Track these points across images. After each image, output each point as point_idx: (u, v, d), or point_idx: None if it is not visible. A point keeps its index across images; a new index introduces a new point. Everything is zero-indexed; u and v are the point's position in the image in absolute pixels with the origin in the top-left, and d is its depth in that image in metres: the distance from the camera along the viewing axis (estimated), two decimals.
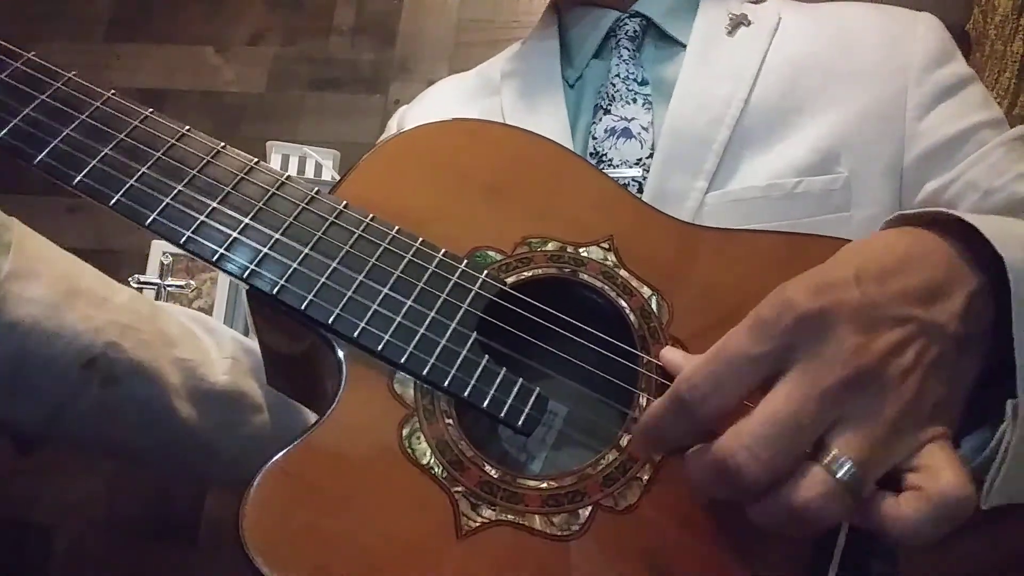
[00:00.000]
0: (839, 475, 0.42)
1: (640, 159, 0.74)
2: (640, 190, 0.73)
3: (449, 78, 0.95)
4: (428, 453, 0.52)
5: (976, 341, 0.47)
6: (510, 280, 0.58)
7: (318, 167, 1.81)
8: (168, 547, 1.82)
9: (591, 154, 0.75)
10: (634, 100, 0.77)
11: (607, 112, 0.77)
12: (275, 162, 1.80)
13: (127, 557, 1.82)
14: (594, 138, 0.76)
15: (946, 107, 0.74)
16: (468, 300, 0.56)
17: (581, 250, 0.60)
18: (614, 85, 0.78)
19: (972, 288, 0.47)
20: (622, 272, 0.59)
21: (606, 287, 0.58)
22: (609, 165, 0.74)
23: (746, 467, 0.42)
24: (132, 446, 0.72)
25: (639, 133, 0.75)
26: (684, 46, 0.79)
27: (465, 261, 0.58)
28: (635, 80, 0.78)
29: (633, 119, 0.76)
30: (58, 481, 1.87)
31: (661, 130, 0.74)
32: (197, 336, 0.75)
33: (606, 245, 0.60)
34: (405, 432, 0.52)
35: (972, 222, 0.48)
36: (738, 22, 0.79)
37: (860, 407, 0.43)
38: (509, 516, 0.50)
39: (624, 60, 0.79)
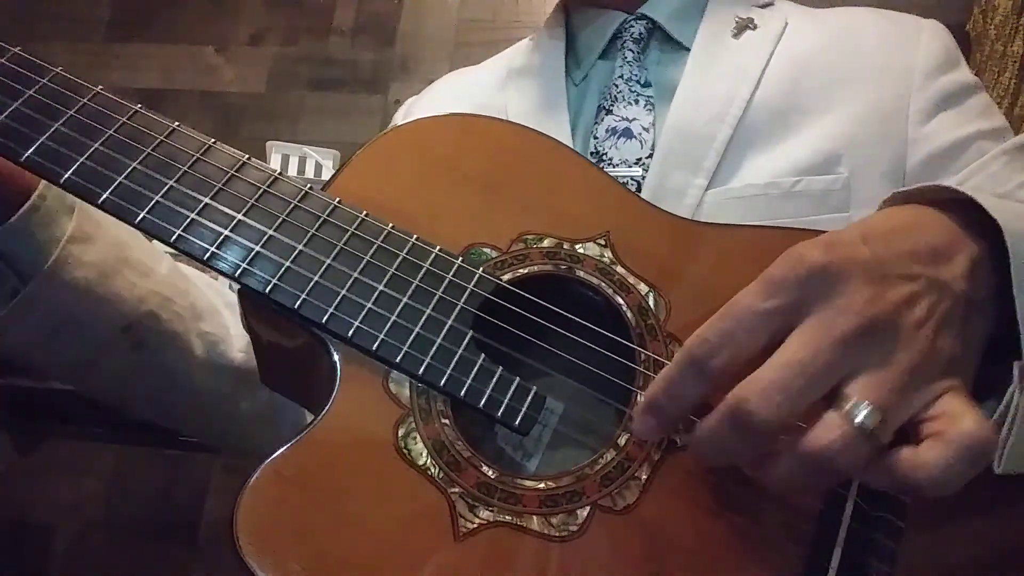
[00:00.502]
0: (857, 419, 0.41)
1: (640, 159, 0.74)
2: (639, 189, 0.73)
3: (457, 72, 0.96)
4: (424, 454, 0.51)
5: (981, 305, 0.47)
6: (506, 277, 0.57)
7: (318, 167, 1.81)
8: (168, 547, 1.82)
9: (592, 153, 0.76)
10: (636, 101, 0.77)
11: (609, 112, 0.77)
12: (275, 162, 1.80)
13: (127, 557, 1.83)
14: (595, 137, 0.76)
15: (948, 115, 0.74)
16: (464, 298, 0.56)
17: (577, 246, 0.59)
18: (617, 86, 0.78)
19: (974, 253, 0.47)
20: (619, 268, 0.59)
21: (603, 284, 0.58)
22: (609, 164, 0.75)
23: (759, 411, 0.42)
24: (142, 403, 0.78)
25: (640, 133, 0.75)
26: (688, 50, 0.80)
27: (460, 258, 0.57)
28: (638, 81, 0.79)
29: (634, 120, 0.76)
30: (58, 481, 1.88)
31: (662, 128, 0.75)
32: (219, 310, 0.80)
33: (602, 241, 0.60)
34: (401, 432, 0.52)
35: (969, 194, 0.49)
36: (744, 26, 0.80)
37: (875, 355, 0.43)
38: (507, 517, 0.50)
39: (628, 62, 0.80)
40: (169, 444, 1.81)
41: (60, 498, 1.87)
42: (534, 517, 0.50)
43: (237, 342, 0.79)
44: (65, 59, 2.19)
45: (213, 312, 0.78)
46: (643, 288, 0.58)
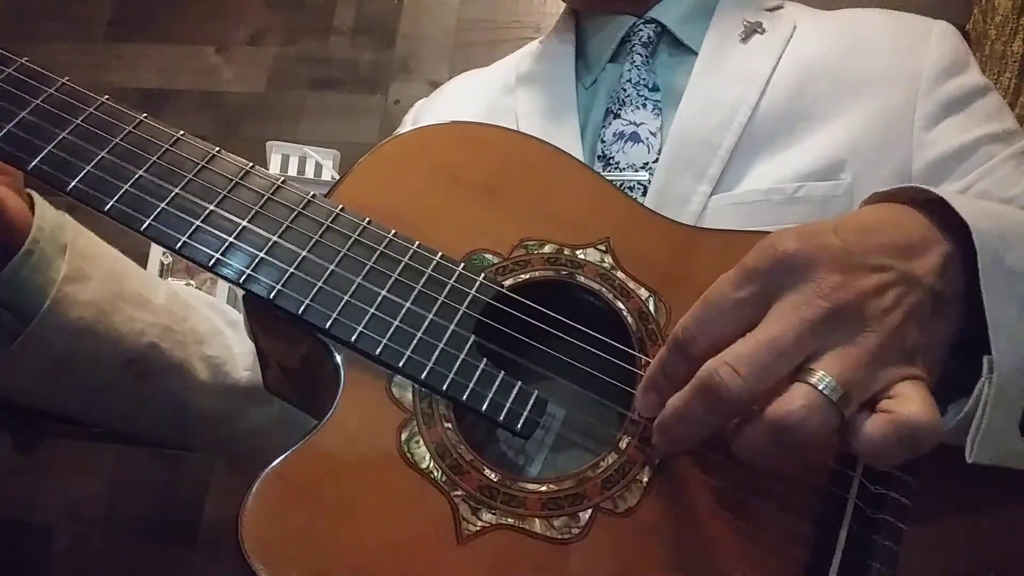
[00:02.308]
0: (822, 388, 0.43)
1: (647, 163, 0.74)
2: (645, 193, 0.73)
3: (466, 74, 0.96)
4: (427, 457, 0.52)
5: (950, 301, 0.49)
6: (507, 283, 0.58)
7: (318, 167, 1.81)
8: (168, 547, 1.82)
9: (599, 157, 0.76)
10: (644, 105, 0.77)
11: (617, 116, 0.77)
12: (275, 162, 1.80)
13: (127, 557, 1.82)
14: (602, 141, 0.76)
15: (954, 119, 0.74)
16: (466, 303, 0.56)
17: (578, 252, 0.60)
18: (625, 90, 0.78)
19: (945, 251, 0.49)
20: (619, 274, 0.59)
21: (603, 289, 0.58)
22: (616, 168, 0.75)
23: (728, 380, 0.44)
24: (151, 429, 0.77)
25: (647, 138, 0.75)
26: (696, 53, 0.79)
27: (462, 264, 0.58)
28: (646, 86, 0.79)
29: (642, 124, 0.76)
30: (58, 481, 1.87)
31: (668, 134, 0.75)
32: (222, 332, 0.80)
33: (603, 247, 0.60)
34: (404, 436, 0.52)
35: (941, 195, 0.50)
36: (752, 30, 0.80)
37: (842, 336, 0.45)
38: (509, 520, 0.50)
39: (636, 65, 0.80)
40: (169, 444, 1.81)
41: (60, 498, 1.86)
42: (536, 520, 0.50)
43: (242, 360, 0.79)
44: (65, 59, 2.19)
45: (215, 334, 0.78)
46: (644, 293, 0.58)
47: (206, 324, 0.78)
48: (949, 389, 0.49)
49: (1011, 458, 0.48)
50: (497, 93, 0.87)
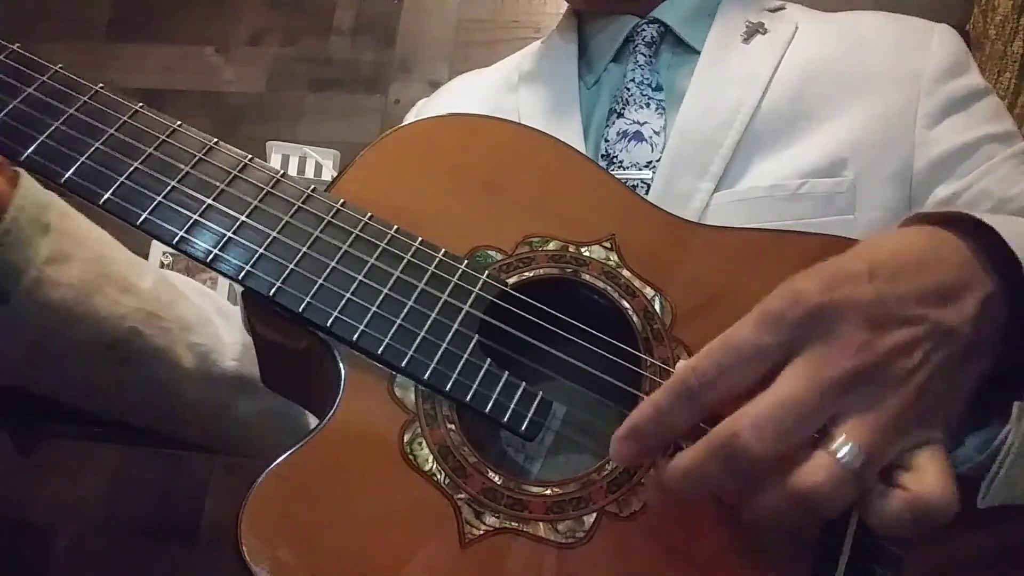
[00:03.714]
0: (844, 460, 0.42)
1: (650, 162, 0.74)
2: (648, 192, 0.73)
3: (467, 74, 0.96)
4: (430, 459, 0.51)
5: (987, 345, 0.47)
6: (511, 280, 0.57)
7: (318, 167, 1.81)
8: (168, 547, 1.82)
9: (602, 156, 0.76)
10: (647, 105, 0.77)
11: (620, 115, 0.77)
12: (275, 162, 1.80)
13: (127, 557, 1.82)
14: (606, 140, 0.76)
15: (956, 119, 0.74)
16: (469, 301, 0.55)
17: (583, 249, 0.59)
18: (628, 89, 0.78)
19: (987, 291, 0.47)
20: (624, 272, 0.58)
21: (608, 288, 0.58)
22: (619, 167, 0.75)
23: (751, 445, 0.42)
24: (132, 414, 0.77)
25: (650, 137, 0.75)
26: (699, 53, 0.79)
27: (466, 261, 0.57)
28: (649, 85, 0.79)
29: (645, 123, 0.76)
30: (58, 481, 1.87)
31: (671, 132, 0.75)
32: (211, 320, 0.79)
33: (608, 244, 0.59)
34: (407, 438, 0.52)
35: (991, 223, 0.48)
36: (754, 30, 0.80)
37: (864, 399, 0.43)
38: (513, 523, 0.50)
39: (640, 65, 0.80)
40: (169, 444, 1.80)
41: (60, 498, 1.87)
42: (540, 523, 0.50)
43: (230, 350, 0.79)
44: (65, 59, 2.17)
45: (204, 322, 0.78)
46: (649, 292, 0.58)
47: (194, 312, 0.77)
48: (972, 410, 0.48)
49: (1022, 499, 0.47)
50: (499, 92, 0.87)
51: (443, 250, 0.57)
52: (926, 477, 0.43)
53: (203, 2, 2.22)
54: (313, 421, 0.79)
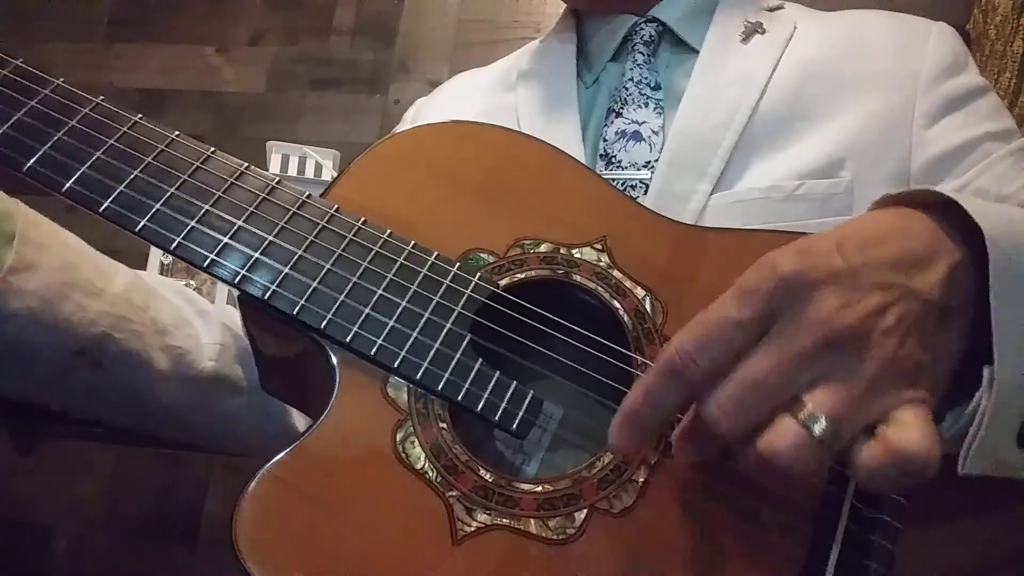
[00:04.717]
0: (809, 426, 0.43)
1: (649, 162, 0.74)
2: (647, 192, 0.73)
3: (465, 73, 0.96)
4: (422, 457, 0.52)
5: (957, 312, 0.48)
6: (503, 282, 0.58)
7: (318, 167, 1.81)
8: (168, 547, 1.82)
9: (601, 156, 0.76)
10: (646, 104, 0.77)
11: (619, 115, 0.77)
12: (275, 162, 1.80)
13: (127, 557, 1.82)
14: (604, 140, 0.77)
15: (954, 118, 0.74)
16: (461, 303, 0.56)
17: (574, 251, 0.60)
18: (627, 89, 0.79)
19: (954, 259, 0.48)
20: (615, 273, 0.59)
21: (599, 288, 0.58)
22: (618, 167, 0.75)
23: (718, 422, 0.44)
24: (109, 416, 0.76)
25: (649, 136, 0.75)
26: (698, 52, 0.79)
27: (458, 264, 0.58)
28: (648, 84, 0.79)
29: (644, 123, 0.76)
30: (58, 481, 1.87)
31: (669, 133, 0.75)
32: (189, 321, 0.78)
33: (599, 246, 0.60)
34: (399, 436, 0.52)
35: (954, 198, 0.49)
36: (753, 30, 0.80)
37: (837, 367, 0.44)
38: (504, 520, 0.50)
39: (638, 64, 0.80)
40: (169, 444, 1.81)
41: (60, 498, 1.86)
42: (532, 520, 0.50)
43: (208, 351, 0.78)
44: (65, 59, 2.19)
45: (180, 324, 0.77)
46: (640, 292, 0.58)
47: (171, 313, 0.76)
48: (951, 391, 0.48)
49: (1005, 469, 0.48)
50: (497, 91, 0.87)
51: (435, 253, 0.57)
52: (907, 430, 0.43)
53: (203, 2, 2.22)
54: (298, 416, 0.79)
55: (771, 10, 0.83)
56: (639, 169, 0.74)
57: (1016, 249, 0.48)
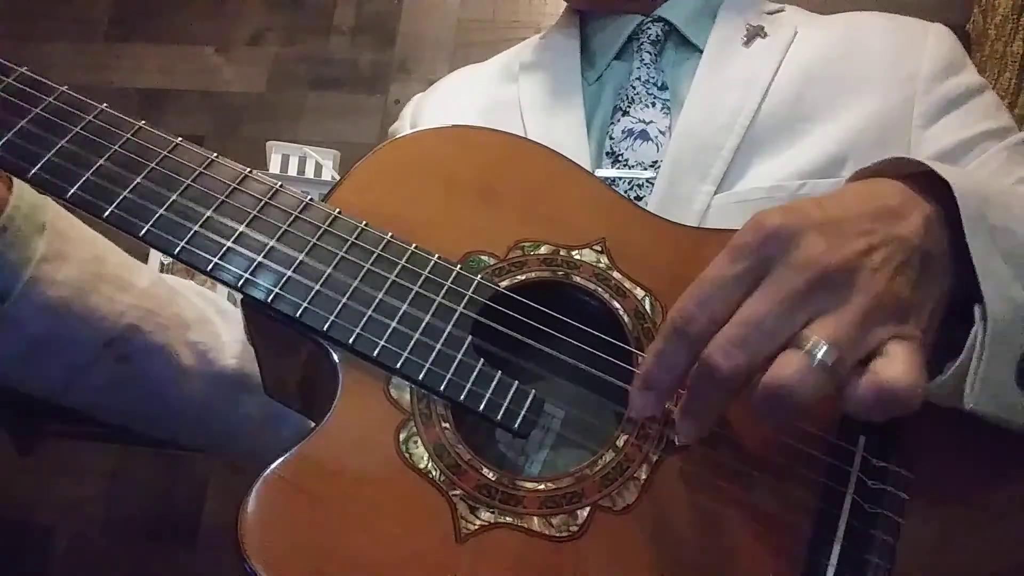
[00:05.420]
0: (812, 353, 0.44)
1: (655, 161, 0.75)
2: (652, 192, 0.73)
3: (464, 69, 0.96)
4: (425, 457, 0.52)
5: (938, 258, 0.50)
6: (504, 284, 0.58)
7: (318, 167, 1.81)
8: (168, 547, 1.82)
9: (607, 153, 0.77)
10: (653, 104, 0.78)
11: (626, 114, 0.78)
12: (275, 162, 1.80)
13: (127, 557, 1.82)
14: (611, 138, 0.77)
15: (952, 118, 0.75)
16: (463, 304, 0.56)
17: (574, 253, 0.60)
18: (634, 88, 0.79)
19: (928, 211, 0.51)
20: (615, 274, 0.59)
21: (599, 289, 0.59)
22: (624, 165, 0.75)
23: (720, 365, 0.45)
24: (132, 415, 0.76)
25: (656, 136, 0.76)
26: (703, 52, 0.80)
27: (459, 266, 0.58)
28: (655, 84, 0.79)
29: (651, 122, 0.77)
30: (58, 481, 1.87)
31: (672, 135, 0.76)
32: (210, 319, 0.79)
33: (599, 247, 0.60)
34: (402, 437, 0.52)
35: (921, 161, 0.52)
36: (754, 33, 0.81)
37: (832, 300, 0.46)
38: (507, 518, 0.50)
39: (645, 64, 0.81)
40: (169, 444, 1.80)
41: (60, 498, 1.86)
42: (535, 518, 0.51)
43: (230, 348, 0.79)
44: (65, 59, 2.19)
45: (203, 321, 0.78)
46: (639, 293, 0.59)
47: (193, 311, 0.77)
48: (945, 354, 0.50)
49: (1008, 410, 0.49)
50: (498, 83, 0.88)
51: (436, 255, 0.58)
52: (894, 362, 0.45)
53: (203, 2, 2.22)
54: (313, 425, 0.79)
55: (772, 13, 0.83)
56: (645, 168, 0.75)
57: (983, 200, 0.50)
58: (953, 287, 0.51)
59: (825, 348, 0.44)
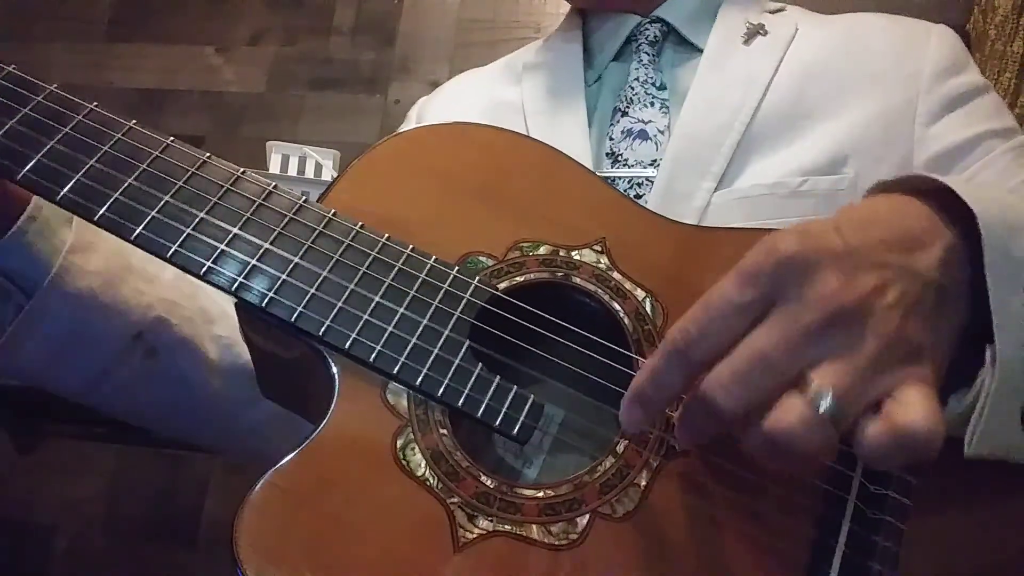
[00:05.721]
0: (815, 403, 0.43)
1: (655, 160, 0.75)
2: (652, 190, 0.73)
3: (469, 72, 0.97)
4: (423, 465, 0.51)
5: (955, 293, 0.48)
6: (502, 286, 0.57)
7: (318, 167, 1.81)
8: (168, 547, 1.82)
9: (607, 154, 0.77)
10: (652, 103, 0.78)
11: (625, 114, 0.78)
12: (275, 162, 1.80)
13: (127, 557, 1.83)
14: (611, 139, 0.77)
15: (955, 116, 0.75)
16: (460, 307, 0.56)
17: (573, 253, 0.59)
18: (633, 88, 0.79)
19: (948, 242, 0.48)
20: (615, 275, 0.59)
21: (599, 290, 0.58)
22: (624, 165, 0.75)
23: (721, 402, 0.44)
24: (154, 414, 0.76)
25: (655, 135, 0.76)
26: (702, 52, 0.80)
27: (456, 268, 0.57)
28: (653, 84, 0.80)
29: (650, 122, 0.77)
30: (58, 481, 1.88)
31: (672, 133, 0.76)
32: (230, 314, 0.78)
33: (599, 248, 0.60)
34: (399, 443, 0.52)
35: (947, 183, 0.50)
36: (755, 32, 0.81)
37: (841, 343, 0.44)
38: (506, 526, 0.50)
39: (644, 64, 0.81)
40: (169, 444, 1.81)
41: (60, 498, 1.87)
42: (534, 526, 0.50)
43: None
44: (65, 59, 2.19)
45: (224, 315, 0.78)
46: (640, 294, 0.58)
47: (215, 305, 0.77)
48: (953, 377, 0.48)
49: (1011, 452, 0.48)
50: (501, 84, 0.88)
51: (433, 257, 0.57)
52: (911, 408, 0.43)
53: (203, 2, 2.22)
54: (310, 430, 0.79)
55: (773, 12, 0.84)
56: (645, 167, 0.75)
57: (1009, 231, 0.48)
58: (969, 320, 0.49)
59: (829, 398, 0.43)
